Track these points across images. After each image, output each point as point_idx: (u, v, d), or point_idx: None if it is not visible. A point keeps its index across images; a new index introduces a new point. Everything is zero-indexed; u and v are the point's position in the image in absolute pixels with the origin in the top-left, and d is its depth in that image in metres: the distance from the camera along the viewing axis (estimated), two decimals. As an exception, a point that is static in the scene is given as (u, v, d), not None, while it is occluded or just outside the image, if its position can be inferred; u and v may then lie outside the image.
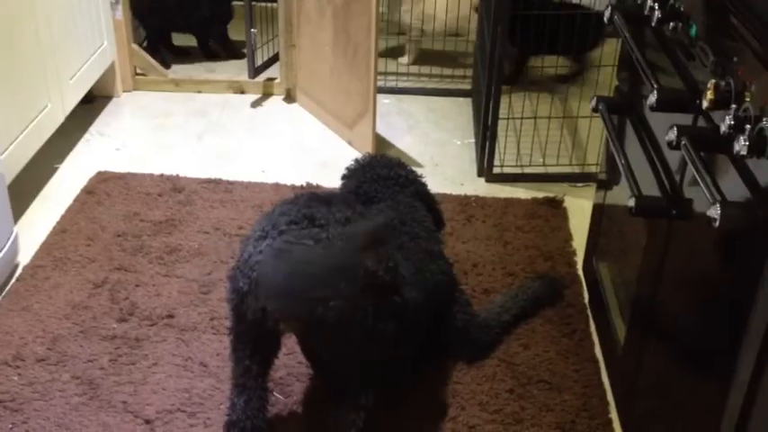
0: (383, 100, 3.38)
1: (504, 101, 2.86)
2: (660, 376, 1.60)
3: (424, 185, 2.15)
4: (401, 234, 1.90)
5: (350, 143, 3.09)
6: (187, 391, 1.96)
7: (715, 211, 1.14)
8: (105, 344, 2.09)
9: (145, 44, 3.67)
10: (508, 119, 2.97)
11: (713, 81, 1.24)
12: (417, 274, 1.82)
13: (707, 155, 1.30)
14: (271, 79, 3.47)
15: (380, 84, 3.30)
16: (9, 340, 2.08)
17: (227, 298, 1.70)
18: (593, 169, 2.82)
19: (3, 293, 2.25)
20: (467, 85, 3.55)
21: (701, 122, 1.39)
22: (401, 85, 3.54)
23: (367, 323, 1.58)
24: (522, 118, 2.99)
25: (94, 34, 3.14)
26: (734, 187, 1.21)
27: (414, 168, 2.18)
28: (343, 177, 2.14)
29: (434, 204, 2.15)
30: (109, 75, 3.33)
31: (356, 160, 2.16)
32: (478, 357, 2.06)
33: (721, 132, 1.20)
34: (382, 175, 2.06)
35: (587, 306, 2.24)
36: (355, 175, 2.11)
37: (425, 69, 3.63)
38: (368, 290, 1.53)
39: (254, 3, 3.30)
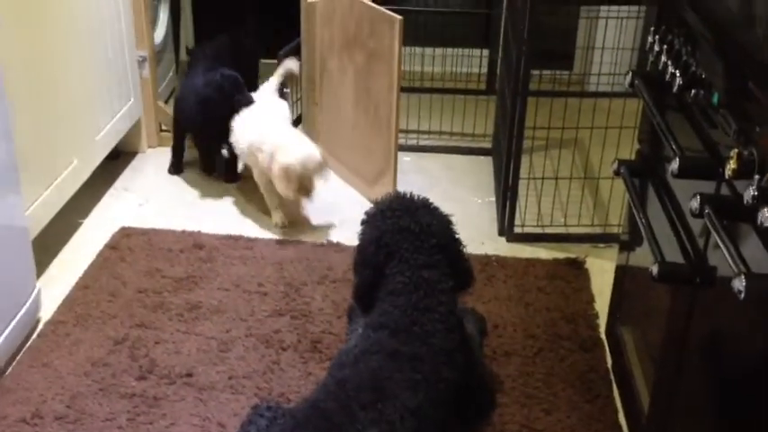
0: (403, 158, 3.40)
1: (524, 160, 2.86)
2: (685, 446, 1.57)
3: (449, 237, 1.99)
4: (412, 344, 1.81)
5: (370, 201, 3.10)
6: (204, 452, 1.94)
7: (740, 284, 1.13)
8: (124, 402, 2.08)
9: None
10: (529, 179, 2.97)
11: (736, 150, 1.24)
12: (429, 394, 1.75)
13: (731, 223, 1.29)
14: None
15: (401, 141, 3.32)
16: (28, 397, 2.08)
17: None
18: (615, 230, 2.81)
19: (24, 349, 2.26)
20: (487, 144, 3.56)
21: (725, 189, 1.38)
22: (422, 143, 3.57)
23: None
24: (543, 178, 2.99)
25: (122, 92, 3.21)
26: (759, 257, 1.20)
27: (442, 211, 2.02)
28: (363, 222, 2.04)
29: (462, 262, 2.01)
30: (135, 131, 3.39)
31: (376, 203, 2.05)
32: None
33: (745, 202, 1.19)
34: (403, 226, 1.93)
35: (610, 371, 2.21)
36: (375, 223, 1.99)
37: (446, 127, 3.65)
38: None
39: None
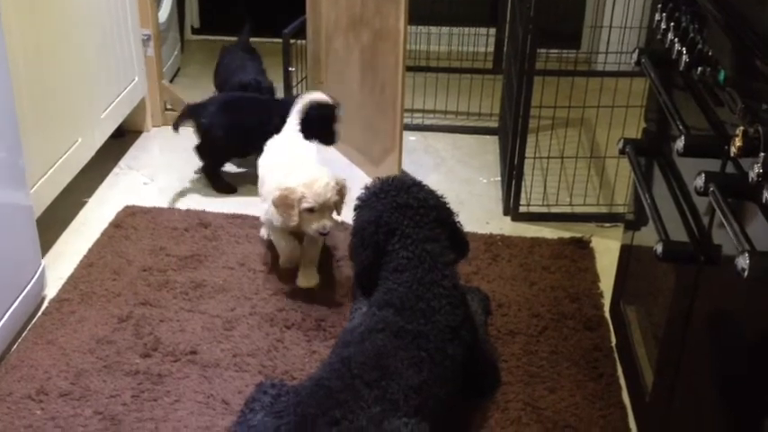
0: (409, 137, 3.39)
1: (530, 139, 2.85)
2: (689, 425, 1.57)
3: (445, 210, 2.01)
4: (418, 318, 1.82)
5: (376, 180, 3.09)
6: (208, 429, 1.95)
7: (744, 261, 1.12)
8: (128, 379, 2.09)
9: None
10: (535, 158, 2.96)
11: (741, 128, 1.23)
12: (435, 370, 1.77)
13: (735, 202, 1.28)
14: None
15: (407, 121, 3.31)
16: (33, 374, 2.09)
17: None
18: (620, 209, 2.80)
19: (29, 327, 2.27)
20: (493, 123, 3.55)
21: (730, 167, 1.37)
22: (427, 122, 3.55)
23: None
24: (548, 157, 2.98)
25: (126, 70, 3.20)
26: (763, 235, 1.19)
27: (431, 188, 2.04)
28: (356, 208, 2.05)
29: (459, 234, 2.04)
30: (139, 110, 3.38)
31: (367, 187, 2.05)
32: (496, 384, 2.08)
33: (749, 180, 1.18)
34: (401, 203, 1.95)
35: (614, 349, 2.21)
36: (370, 204, 2.00)
37: (452, 107, 3.64)
38: None
39: (291, 41, 3.33)
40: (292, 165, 2.43)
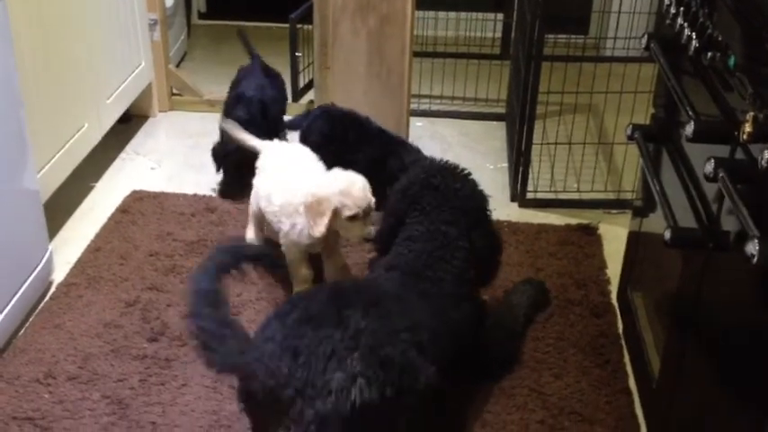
0: (416, 123, 3.38)
1: (538, 125, 2.84)
2: (695, 411, 1.57)
3: (476, 210, 2.01)
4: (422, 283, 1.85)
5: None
6: (215, 414, 1.96)
7: (753, 247, 1.12)
8: (136, 363, 2.09)
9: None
10: (542, 144, 2.94)
11: (751, 114, 1.22)
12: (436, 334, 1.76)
13: (745, 187, 1.27)
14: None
15: (413, 106, 3.30)
16: (41, 358, 2.10)
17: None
18: (628, 196, 2.79)
19: (36, 311, 2.27)
20: (500, 109, 3.53)
21: (740, 153, 1.36)
22: (434, 108, 3.54)
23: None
24: (556, 143, 2.97)
25: (132, 55, 3.19)
26: (773, 222, 1.19)
27: (482, 192, 2.06)
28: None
29: (482, 240, 2.00)
30: (146, 95, 3.38)
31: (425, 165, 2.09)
32: (501, 372, 2.07)
33: (759, 166, 1.17)
34: (432, 183, 1.99)
35: (621, 336, 2.21)
36: (411, 175, 2.05)
37: (459, 92, 3.62)
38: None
39: (298, 26, 3.32)
40: (299, 173, 2.29)
